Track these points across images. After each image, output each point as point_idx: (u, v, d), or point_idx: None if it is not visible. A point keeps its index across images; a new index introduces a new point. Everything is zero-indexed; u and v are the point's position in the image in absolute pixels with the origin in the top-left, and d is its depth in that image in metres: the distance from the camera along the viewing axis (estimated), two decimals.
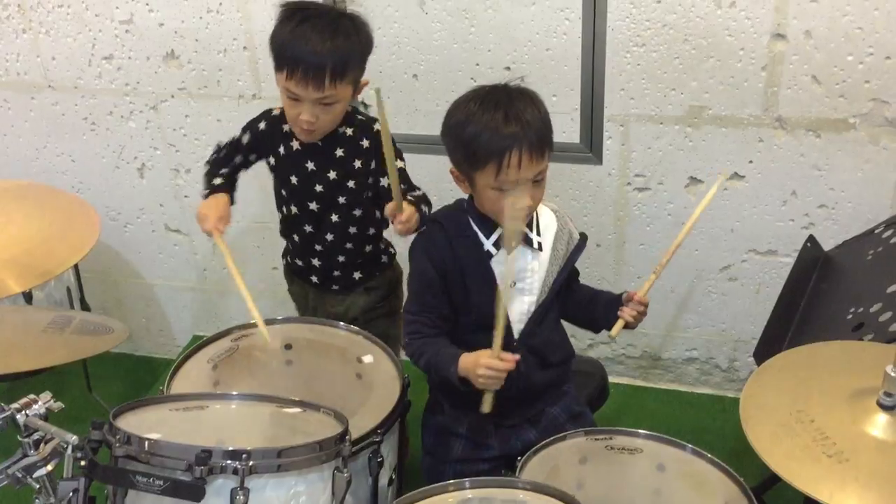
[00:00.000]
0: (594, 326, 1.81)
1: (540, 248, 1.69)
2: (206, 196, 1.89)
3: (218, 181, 1.92)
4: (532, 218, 1.68)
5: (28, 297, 2.55)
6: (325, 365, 1.86)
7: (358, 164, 1.88)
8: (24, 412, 1.27)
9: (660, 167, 2.23)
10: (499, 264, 1.65)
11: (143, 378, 2.83)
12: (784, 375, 1.44)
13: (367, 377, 1.80)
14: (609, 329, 1.71)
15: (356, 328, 1.89)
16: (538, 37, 2.13)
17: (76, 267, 2.54)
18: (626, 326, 1.69)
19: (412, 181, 1.89)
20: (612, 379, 2.19)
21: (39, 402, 1.28)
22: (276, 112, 1.92)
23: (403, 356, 1.81)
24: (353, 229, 1.93)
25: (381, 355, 1.84)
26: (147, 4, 2.31)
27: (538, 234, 1.69)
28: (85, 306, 2.65)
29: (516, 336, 1.68)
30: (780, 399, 1.37)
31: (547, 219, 1.73)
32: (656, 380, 2.59)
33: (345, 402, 1.69)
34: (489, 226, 1.66)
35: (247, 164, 1.98)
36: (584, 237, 1.76)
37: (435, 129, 2.25)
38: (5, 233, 1.26)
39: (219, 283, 2.76)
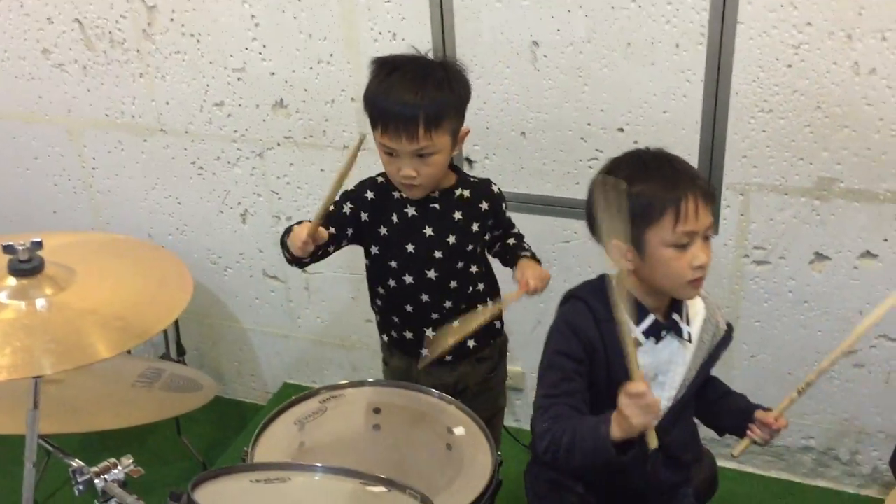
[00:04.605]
0: (717, 429, 1.68)
1: (689, 340, 1.55)
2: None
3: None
4: (682, 305, 1.55)
5: None
6: (413, 433, 1.77)
7: (476, 227, 1.80)
8: (102, 477, 1.22)
9: (782, 241, 2.08)
10: (645, 355, 1.50)
11: (231, 422, 2.82)
12: None
13: (457, 450, 1.70)
14: (725, 434, 1.60)
15: (449, 397, 1.80)
16: (655, 98, 2.03)
17: None
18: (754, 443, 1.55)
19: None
20: (719, 463, 2.03)
21: (119, 468, 1.24)
22: (380, 180, 1.83)
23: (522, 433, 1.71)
24: (470, 289, 1.85)
25: (474, 428, 1.73)
26: (260, 54, 2.32)
27: (688, 322, 1.55)
28: (180, 349, 2.67)
29: (610, 415, 1.56)
30: None
31: (697, 307, 1.59)
32: (767, 467, 2.40)
33: (432, 475, 1.61)
34: (640, 311, 1.51)
35: (337, 241, 1.79)
36: (730, 328, 1.62)
37: (541, 188, 2.17)
38: (98, 293, 1.22)
39: (311, 331, 2.73)
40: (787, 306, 2.15)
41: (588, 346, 1.50)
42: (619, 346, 1.48)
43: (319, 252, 1.77)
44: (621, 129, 2.09)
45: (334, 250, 1.82)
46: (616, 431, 1.35)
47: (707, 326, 1.58)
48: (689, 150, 2.05)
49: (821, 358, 2.16)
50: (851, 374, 2.18)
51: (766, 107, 1.95)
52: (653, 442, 1.36)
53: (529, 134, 2.18)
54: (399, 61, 1.69)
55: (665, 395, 1.55)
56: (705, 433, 2.39)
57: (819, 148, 1.95)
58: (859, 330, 1.51)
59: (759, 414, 1.56)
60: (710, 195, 1.46)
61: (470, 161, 2.27)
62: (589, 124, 2.12)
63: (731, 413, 1.62)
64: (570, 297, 1.58)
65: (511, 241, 1.90)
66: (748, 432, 1.55)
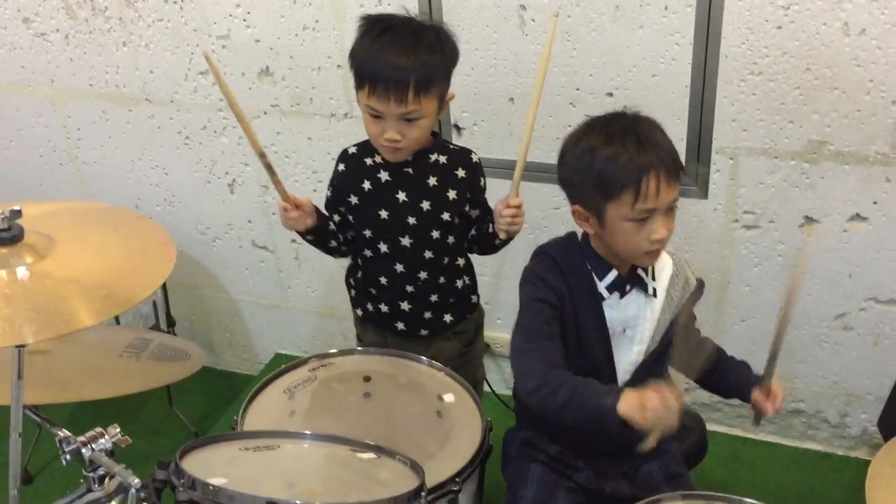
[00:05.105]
0: (716, 391, 1.69)
1: (654, 295, 1.57)
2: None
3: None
4: None
5: None
6: (404, 400, 1.78)
7: (452, 194, 1.78)
8: (89, 446, 1.22)
9: (772, 204, 2.07)
10: (611, 308, 1.54)
11: (223, 393, 2.82)
12: None
13: (447, 416, 1.71)
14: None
15: (439, 364, 1.81)
16: (644, 62, 2.01)
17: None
18: None
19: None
20: (709, 427, 2.04)
21: (106, 437, 1.23)
22: (352, 150, 1.82)
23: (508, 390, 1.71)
24: (446, 260, 1.83)
25: (464, 395, 1.74)
26: (244, 21, 2.29)
27: (653, 278, 1.57)
28: (170, 321, 2.66)
29: (621, 386, 1.57)
30: None
31: (663, 262, 1.60)
32: (757, 431, 2.41)
33: (423, 442, 1.62)
34: (604, 266, 1.54)
35: (345, 224, 1.86)
36: (700, 284, 1.63)
37: (530, 154, 2.16)
38: (79, 261, 1.21)
39: (302, 301, 2.72)
40: (776, 270, 2.15)
41: (558, 294, 1.53)
42: (586, 301, 1.52)
43: (340, 237, 1.85)
44: (610, 94, 2.07)
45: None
46: (624, 410, 1.34)
47: (675, 282, 1.60)
48: (678, 114, 2.03)
49: (811, 321, 2.18)
50: (840, 338, 2.18)
51: (756, 69, 1.93)
52: (647, 446, 1.37)
53: (518, 100, 2.16)
54: (391, 22, 1.65)
55: (635, 349, 1.58)
56: (694, 398, 2.42)
57: (809, 110, 1.94)
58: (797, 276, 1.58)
59: (756, 397, 1.54)
60: (676, 170, 1.45)
61: (458, 128, 2.25)
62: (577, 89, 2.10)
63: (734, 382, 1.63)
64: (539, 253, 1.62)
65: (486, 227, 1.83)
66: (761, 408, 1.53)
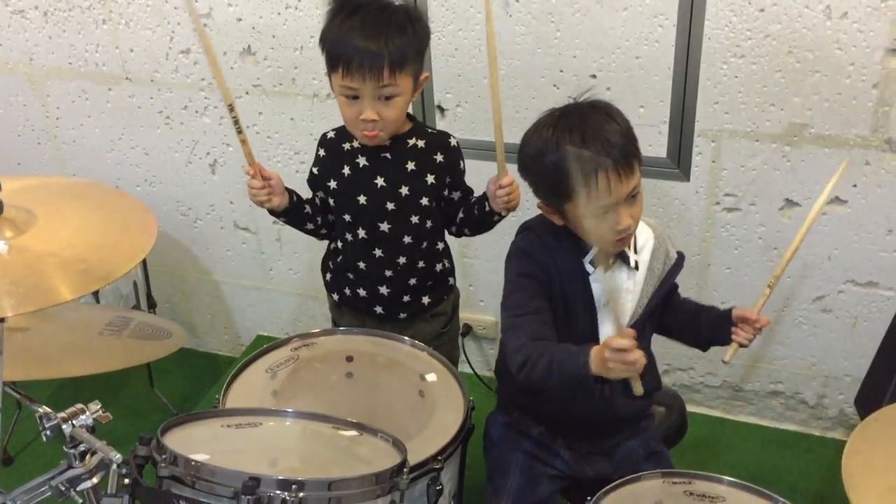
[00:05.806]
0: (698, 344, 1.70)
1: (636, 268, 1.58)
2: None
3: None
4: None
5: (94, 292, 2.55)
6: (386, 380, 1.78)
7: (431, 179, 1.78)
8: (70, 422, 1.21)
9: (753, 187, 2.08)
10: (596, 282, 1.55)
11: (205, 375, 2.81)
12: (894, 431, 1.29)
13: (429, 396, 1.71)
14: (713, 347, 1.64)
15: (421, 344, 1.81)
16: (628, 44, 2.01)
17: (144, 262, 2.53)
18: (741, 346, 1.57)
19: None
20: (688, 408, 2.06)
21: (87, 413, 1.23)
22: (330, 135, 1.83)
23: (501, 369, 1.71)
24: (425, 244, 1.83)
25: (446, 374, 1.75)
26: None
27: (635, 251, 1.58)
28: (151, 301, 2.65)
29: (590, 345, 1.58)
30: (890, 458, 1.22)
31: (645, 236, 1.61)
32: (736, 412, 2.44)
33: (405, 421, 1.62)
34: (584, 243, 1.55)
35: (326, 207, 1.88)
36: (681, 256, 1.65)
37: (514, 136, 2.16)
38: (59, 236, 1.21)
39: (284, 283, 2.71)
40: (756, 253, 2.16)
41: (544, 268, 1.54)
42: (573, 276, 1.54)
43: (318, 220, 1.86)
44: (594, 76, 2.07)
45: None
46: (595, 370, 1.37)
47: (657, 254, 1.61)
48: (661, 97, 2.04)
49: (790, 304, 2.20)
50: (819, 320, 2.21)
51: (739, 52, 1.94)
52: (637, 389, 1.40)
53: (502, 81, 2.15)
54: (359, 2, 1.65)
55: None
56: (674, 380, 2.44)
57: (790, 93, 1.95)
58: (815, 210, 1.58)
59: (737, 311, 1.57)
60: (627, 162, 1.44)
61: (442, 109, 2.24)
62: (561, 71, 2.10)
63: (709, 324, 1.64)
64: (524, 229, 1.63)
65: (477, 206, 1.82)
66: (732, 336, 1.56)
